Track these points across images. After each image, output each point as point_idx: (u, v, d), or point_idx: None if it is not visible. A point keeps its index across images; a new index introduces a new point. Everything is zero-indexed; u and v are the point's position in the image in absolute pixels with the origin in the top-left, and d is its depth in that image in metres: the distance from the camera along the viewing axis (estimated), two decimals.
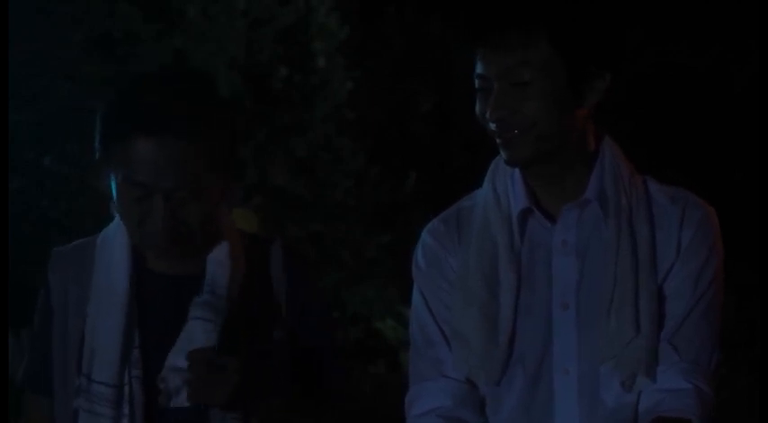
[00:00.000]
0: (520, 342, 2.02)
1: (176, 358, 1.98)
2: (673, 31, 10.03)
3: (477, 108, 2.01)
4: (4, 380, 3.49)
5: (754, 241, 7.02)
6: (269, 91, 8.98)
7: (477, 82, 2.00)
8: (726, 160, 9.67)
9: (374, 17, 9.95)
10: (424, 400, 2.06)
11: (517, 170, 2.06)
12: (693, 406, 1.96)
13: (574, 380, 2.01)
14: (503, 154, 2.01)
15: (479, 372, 2.02)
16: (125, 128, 1.93)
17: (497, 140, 2.00)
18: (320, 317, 2.13)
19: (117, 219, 2.07)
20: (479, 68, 1.98)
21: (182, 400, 1.98)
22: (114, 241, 2.07)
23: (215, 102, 2.00)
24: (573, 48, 1.97)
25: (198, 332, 1.99)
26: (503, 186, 2.07)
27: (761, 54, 8.31)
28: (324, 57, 9.04)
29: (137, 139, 1.92)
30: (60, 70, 8.25)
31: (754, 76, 8.97)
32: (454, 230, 2.10)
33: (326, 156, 9.08)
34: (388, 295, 8.87)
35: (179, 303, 2.03)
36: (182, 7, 8.74)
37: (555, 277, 2.03)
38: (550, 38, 1.95)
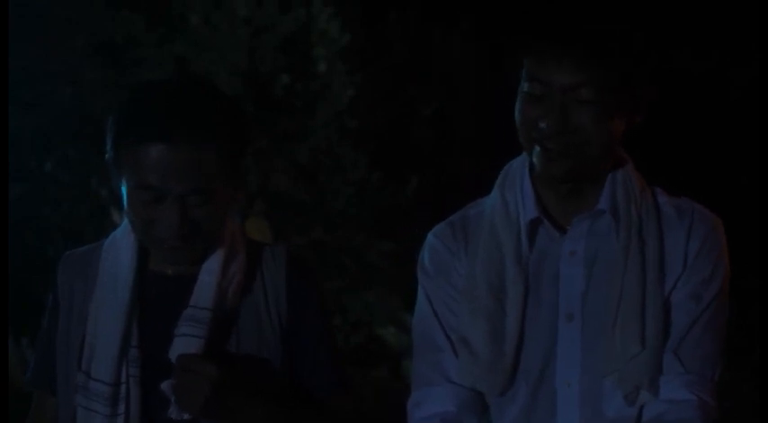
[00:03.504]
0: (525, 353, 2.02)
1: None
2: (674, 37, 10.03)
3: (523, 111, 1.99)
4: (3, 380, 3.50)
5: (758, 245, 7.01)
6: (270, 97, 8.98)
7: (528, 84, 1.97)
8: (731, 165, 9.66)
9: (376, 22, 9.95)
10: (429, 405, 2.06)
11: (527, 179, 2.06)
12: (697, 418, 1.96)
13: (576, 392, 2.00)
14: (543, 164, 1.99)
15: (484, 382, 2.02)
16: (137, 133, 1.94)
17: (537, 148, 1.98)
18: (319, 326, 2.13)
19: (125, 222, 2.08)
20: (541, 74, 1.95)
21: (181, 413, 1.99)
22: (121, 243, 2.09)
23: (226, 107, 2.02)
24: (640, 73, 1.98)
25: (182, 349, 1.99)
26: (512, 195, 2.06)
27: (761, 58, 8.31)
28: (325, 63, 9.03)
29: (149, 144, 1.93)
30: (62, 75, 8.25)
31: (755, 79, 8.97)
32: (461, 236, 2.10)
33: (328, 162, 9.07)
34: (389, 302, 8.86)
35: (178, 304, 2.03)
36: (184, 15, 8.74)
37: (561, 288, 2.03)
38: (624, 62, 1.95)
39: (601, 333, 1.99)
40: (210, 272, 2.04)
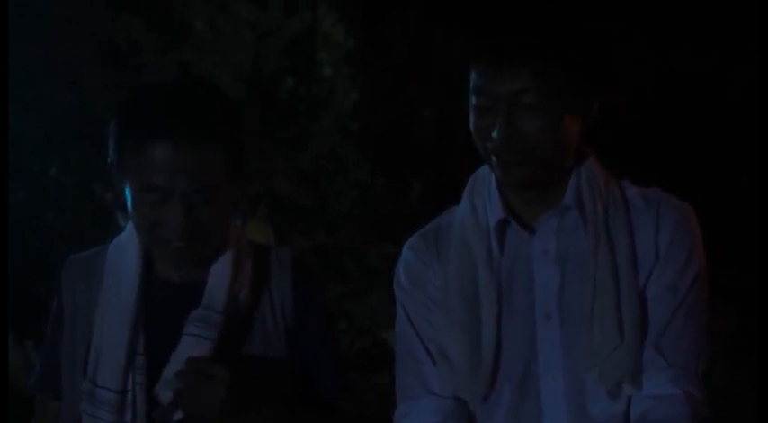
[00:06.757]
0: (505, 357, 2.02)
1: (170, 373, 1.98)
2: (674, 37, 10.03)
3: (475, 124, 2.00)
4: (3, 380, 3.49)
5: (758, 245, 7.00)
6: (274, 102, 8.96)
7: (475, 98, 1.99)
8: (731, 165, 9.66)
9: (376, 22, 9.93)
10: (413, 417, 2.07)
11: (493, 184, 2.07)
12: (684, 413, 1.96)
13: (561, 392, 2.01)
14: (499, 173, 2.01)
15: (465, 391, 2.03)
16: (140, 134, 1.94)
17: (493, 159, 2.00)
18: (323, 330, 2.13)
19: (130, 226, 2.08)
20: (484, 86, 1.98)
21: (179, 414, 1.98)
22: (126, 247, 2.08)
23: (227, 106, 2.02)
24: (584, 74, 1.98)
25: (190, 349, 1.99)
26: (480, 201, 2.08)
27: (761, 58, 8.30)
28: (330, 67, 9.01)
29: (153, 144, 1.93)
30: (62, 76, 8.24)
31: (755, 79, 8.98)
32: (433, 246, 2.11)
33: (330, 166, 9.05)
34: (391, 304, 8.82)
35: (184, 311, 2.03)
36: (187, 19, 8.71)
37: (537, 287, 2.03)
38: (564, 65, 1.96)
39: (579, 330, 1.99)
40: (221, 275, 2.03)
